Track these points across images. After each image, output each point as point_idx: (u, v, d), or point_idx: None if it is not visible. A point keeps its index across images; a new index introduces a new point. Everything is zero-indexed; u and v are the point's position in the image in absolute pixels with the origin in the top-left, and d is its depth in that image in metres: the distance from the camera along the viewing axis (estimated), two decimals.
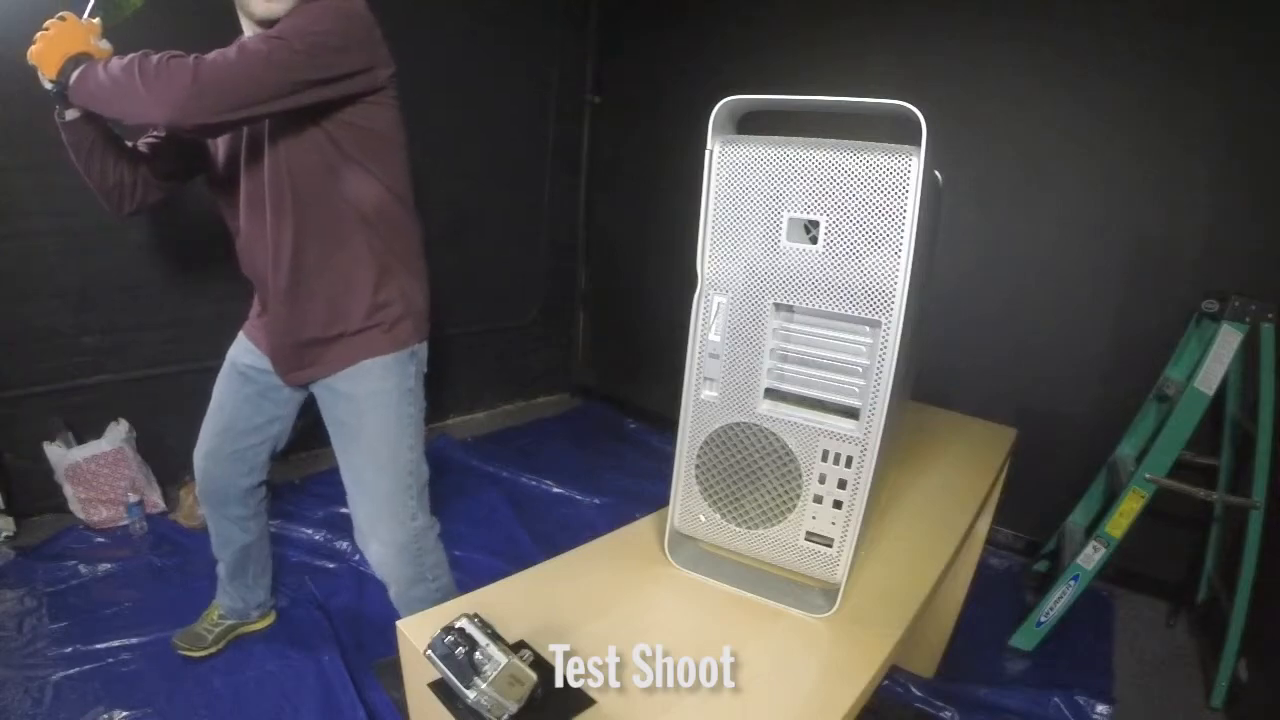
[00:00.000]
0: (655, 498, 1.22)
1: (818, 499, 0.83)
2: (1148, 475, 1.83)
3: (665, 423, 3.24)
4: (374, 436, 1.35)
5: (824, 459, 0.82)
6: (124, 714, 1.50)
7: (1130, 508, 1.86)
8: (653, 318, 3.41)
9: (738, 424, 0.86)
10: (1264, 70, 1.93)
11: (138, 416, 2.33)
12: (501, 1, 3.06)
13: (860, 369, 0.79)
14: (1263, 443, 1.80)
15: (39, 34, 1.08)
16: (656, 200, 3.34)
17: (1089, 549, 1.90)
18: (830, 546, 0.84)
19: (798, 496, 0.84)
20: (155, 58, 1.02)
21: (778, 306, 0.82)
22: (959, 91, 2.36)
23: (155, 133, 1.31)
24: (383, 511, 1.37)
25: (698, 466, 0.90)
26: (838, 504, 0.82)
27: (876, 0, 2.53)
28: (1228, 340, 1.78)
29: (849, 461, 0.80)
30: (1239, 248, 2.04)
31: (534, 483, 2.72)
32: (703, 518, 0.92)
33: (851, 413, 0.80)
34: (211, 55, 1.04)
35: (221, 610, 1.72)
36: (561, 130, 3.42)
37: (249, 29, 1.21)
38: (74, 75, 1.07)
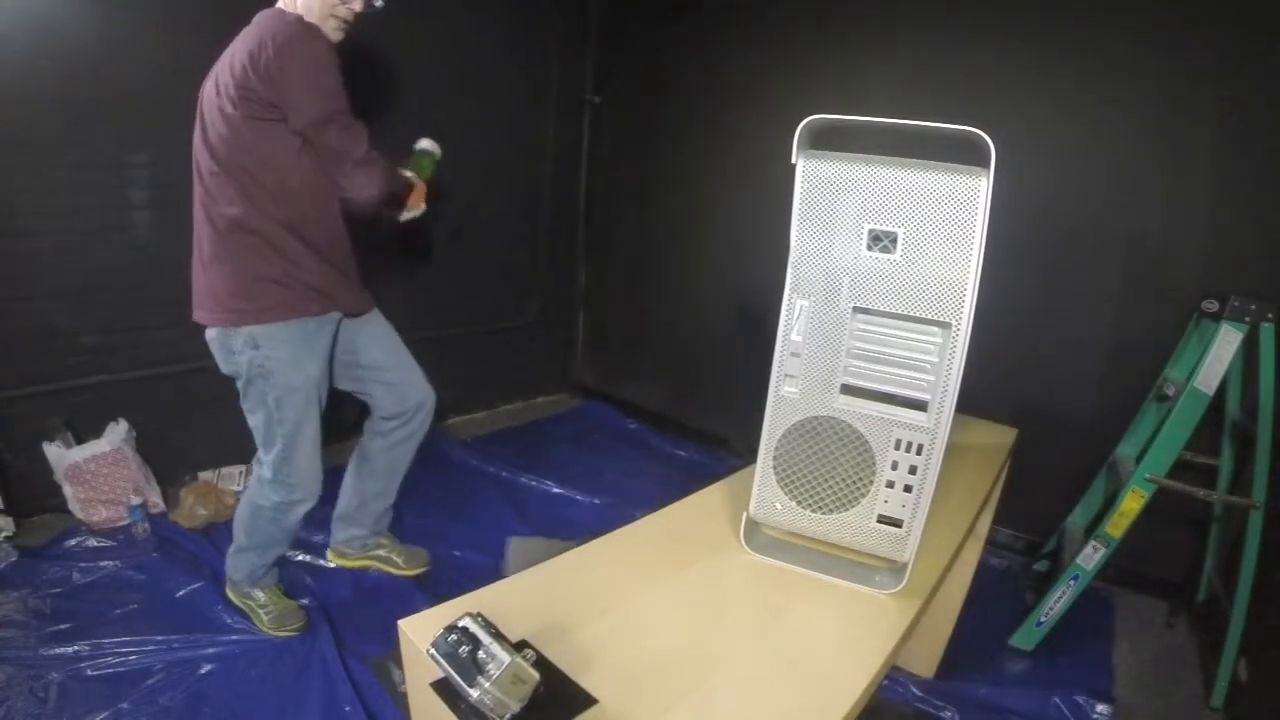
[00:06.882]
0: (655, 497, 1.23)
1: (890, 484, 0.91)
2: (1148, 475, 1.83)
3: (665, 422, 3.23)
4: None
5: (896, 447, 0.89)
6: (126, 713, 1.50)
7: (1130, 508, 1.86)
8: (652, 317, 3.41)
9: (816, 418, 0.93)
10: (1265, 69, 1.93)
11: (137, 416, 2.33)
12: (501, 1, 3.06)
13: (929, 365, 0.86)
14: (1263, 443, 1.80)
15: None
16: (656, 200, 3.34)
17: (1089, 549, 1.90)
18: (900, 527, 0.91)
19: (871, 483, 0.91)
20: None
21: (855, 309, 0.88)
22: (955, 90, 2.36)
23: None
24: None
25: (775, 457, 0.95)
26: (908, 488, 0.90)
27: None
28: (1228, 340, 1.78)
29: (919, 449, 0.88)
30: (1239, 248, 2.04)
31: (534, 483, 2.72)
32: (779, 505, 0.97)
33: (920, 405, 0.88)
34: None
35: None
36: (561, 130, 3.42)
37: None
38: None
